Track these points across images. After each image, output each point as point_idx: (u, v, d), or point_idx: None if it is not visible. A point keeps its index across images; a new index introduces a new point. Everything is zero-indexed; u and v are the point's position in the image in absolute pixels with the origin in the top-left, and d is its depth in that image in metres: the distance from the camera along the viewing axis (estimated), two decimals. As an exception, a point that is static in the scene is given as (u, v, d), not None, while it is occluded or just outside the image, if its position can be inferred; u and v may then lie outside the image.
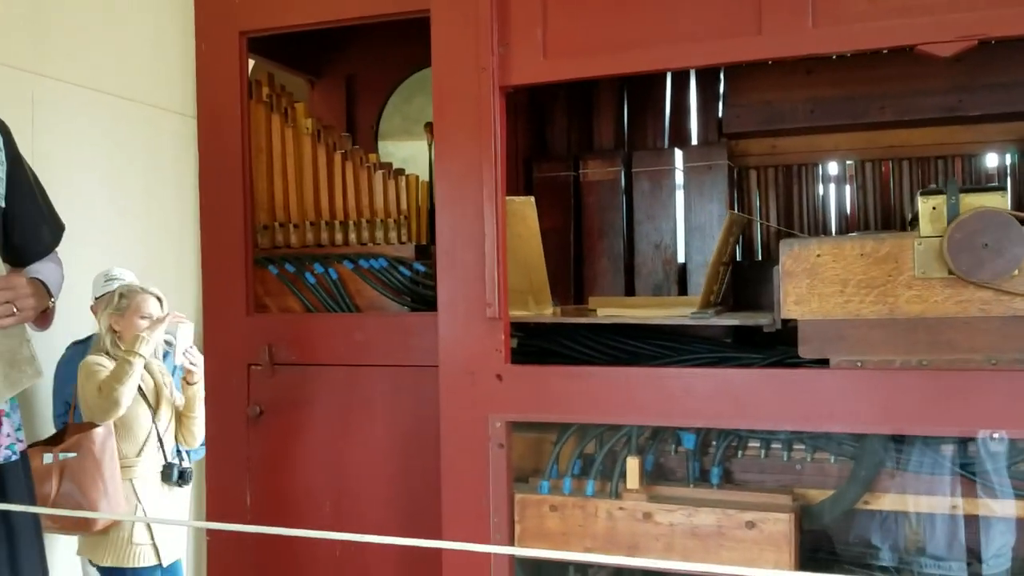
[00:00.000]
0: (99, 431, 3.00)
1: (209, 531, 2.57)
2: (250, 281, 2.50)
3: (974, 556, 2.01)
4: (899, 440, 1.87)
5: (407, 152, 2.96)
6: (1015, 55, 2.41)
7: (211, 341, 2.54)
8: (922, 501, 1.88)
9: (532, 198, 2.06)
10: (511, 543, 1.96)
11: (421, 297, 2.45)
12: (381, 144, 3.05)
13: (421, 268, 2.49)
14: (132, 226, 3.71)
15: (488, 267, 1.90)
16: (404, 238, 2.53)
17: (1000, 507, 1.82)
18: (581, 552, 1.93)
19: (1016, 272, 1.67)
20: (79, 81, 3.48)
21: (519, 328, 2.25)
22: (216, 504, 2.54)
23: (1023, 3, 1.62)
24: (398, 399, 2.37)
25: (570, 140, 2.83)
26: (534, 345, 2.22)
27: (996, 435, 1.64)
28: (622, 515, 1.92)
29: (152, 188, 3.81)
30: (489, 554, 1.92)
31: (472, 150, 1.93)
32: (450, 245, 1.96)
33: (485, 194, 1.89)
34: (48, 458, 2.95)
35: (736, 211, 2.71)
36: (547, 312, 2.17)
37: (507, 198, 1.95)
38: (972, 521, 1.90)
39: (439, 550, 2.01)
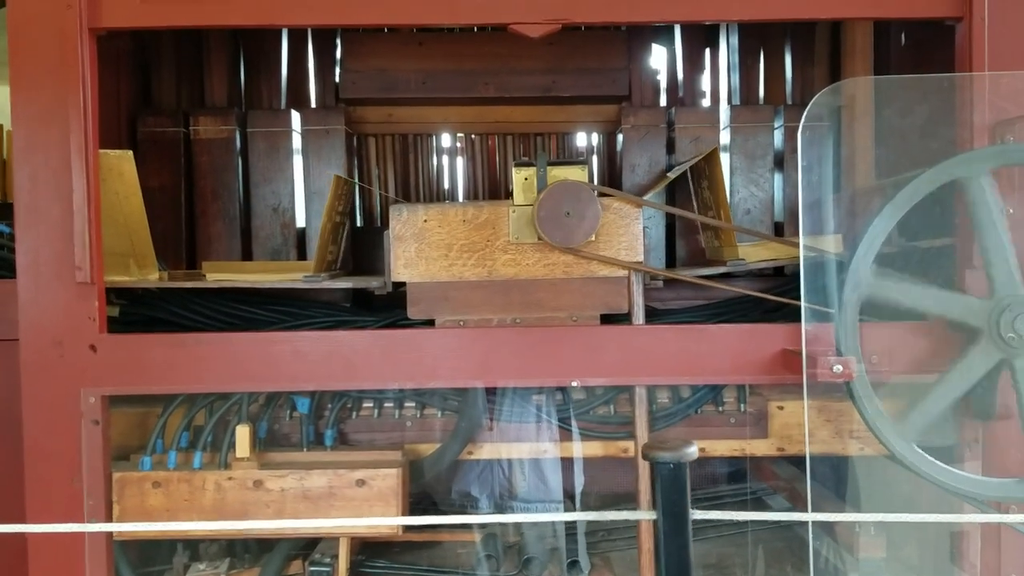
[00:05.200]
0: None
1: None
2: None
3: (566, 495, 2.25)
4: (495, 393, 2.02)
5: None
6: (602, 42, 2.69)
7: None
8: (515, 448, 2.05)
9: (130, 152, 1.89)
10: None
11: (5, 262, 2.16)
12: (-46, 86, 2.63)
13: (6, 229, 2.20)
14: None
15: (78, 226, 1.73)
16: (-17, 195, 2.22)
17: (579, 448, 2.05)
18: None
19: (593, 237, 1.87)
20: None
21: (121, 295, 2.08)
22: None
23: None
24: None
25: (180, 95, 2.65)
26: (139, 313, 2.07)
27: (574, 383, 1.83)
28: (231, 485, 1.86)
29: None
30: (83, 539, 1.77)
31: (56, 96, 1.73)
32: (31, 200, 1.75)
33: (73, 145, 1.70)
34: None
35: (354, 178, 2.73)
36: (151, 277, 2.02)
37: (101, 151, 1.78)
38: (561, 463, 2.13)
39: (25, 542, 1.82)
